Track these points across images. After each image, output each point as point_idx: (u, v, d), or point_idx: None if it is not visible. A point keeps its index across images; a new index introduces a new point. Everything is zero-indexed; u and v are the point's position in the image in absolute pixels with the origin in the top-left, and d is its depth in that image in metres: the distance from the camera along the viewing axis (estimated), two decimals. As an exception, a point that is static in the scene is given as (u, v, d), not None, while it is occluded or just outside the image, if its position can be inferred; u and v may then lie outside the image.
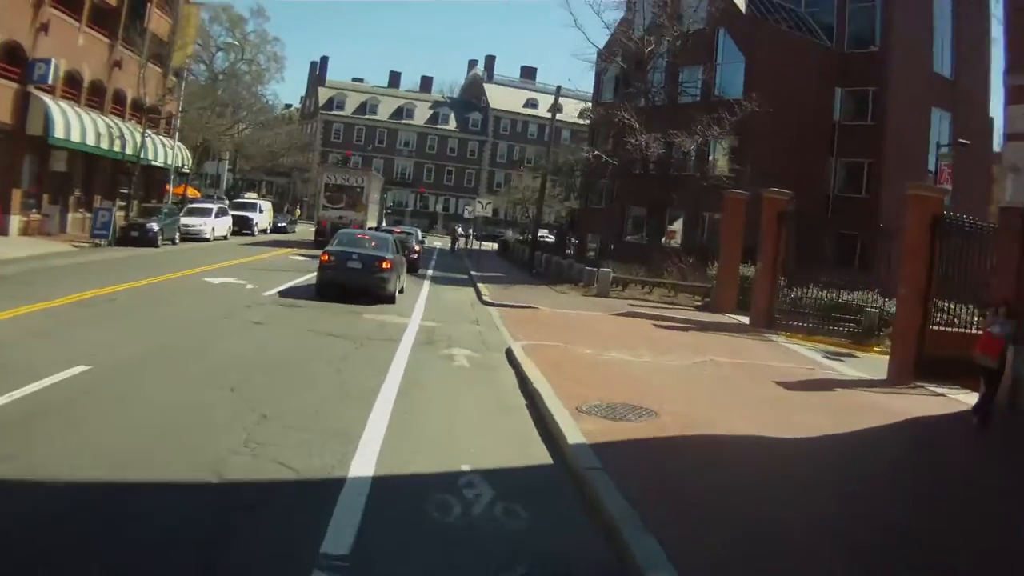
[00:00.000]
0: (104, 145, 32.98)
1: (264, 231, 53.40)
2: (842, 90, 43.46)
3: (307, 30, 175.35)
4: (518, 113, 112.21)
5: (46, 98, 29.02)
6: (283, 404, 9.59)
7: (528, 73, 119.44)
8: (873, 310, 23.05)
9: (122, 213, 34.60)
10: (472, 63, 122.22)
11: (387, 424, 9.17)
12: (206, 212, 41.59)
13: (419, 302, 22.80)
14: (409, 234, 39.06)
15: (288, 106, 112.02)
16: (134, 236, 31.39)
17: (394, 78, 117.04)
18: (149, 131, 37.26)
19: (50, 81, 29.41)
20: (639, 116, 39.90)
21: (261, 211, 53.77)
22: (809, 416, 11.24)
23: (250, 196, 62.37)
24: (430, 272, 35.08)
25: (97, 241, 30.13)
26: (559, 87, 51.49)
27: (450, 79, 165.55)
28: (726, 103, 39.08)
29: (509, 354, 14.54)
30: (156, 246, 31.84)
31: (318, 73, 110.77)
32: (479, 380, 12.51)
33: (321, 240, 41.18)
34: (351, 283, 20.63)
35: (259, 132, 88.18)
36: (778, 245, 23.56)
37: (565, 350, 15.12)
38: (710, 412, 10.95)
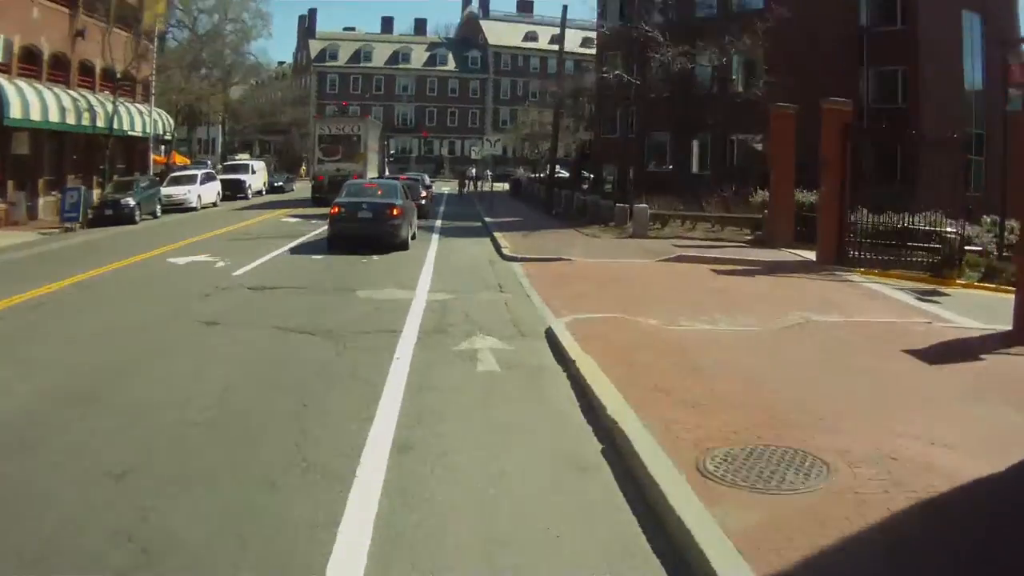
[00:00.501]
0: (71, 120, 29.82)
1: (260, 192, 50.63)
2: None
3: None
4: (518, 48, 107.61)
5: (-1, 78, 25.93)
6: (186, 516, 5.42)
7: (525, 6, 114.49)
8: (951, 235, 19.49)
9: (100, 191, 31.63)
10: (467, 1, 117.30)
11: (368, 544, 5.06)
12: (190, 179, 38.41)
13: (426, 264, 19.44)
14: (416, 180, 36.78)
15: (281, 63, 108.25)
16: (108, 215, 28.45)
17: (387, 24, 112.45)
18: (121, 100, 34.05)
19: (1, 60, 26.98)
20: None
21: (253, 172, 50.44)
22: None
23: (241, 157, 59.02)
24: (439, 222, 31.73)
25: (67, 225, 26.97)
26: (565, 5, 47.23)
27: (445, 20, 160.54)
28: (746, 16, 35.42)
29: (552, 340, 10.83)
30: (134, 222, 28.80)
31: (307, 26, 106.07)
32: (518, 402, 8.38)
33: (319, 197, 38.83)
34: (363, 233, 20.86)
35: (253, 91, 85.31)
36: (845, 164, 20.15)
37: (625, 324, 11.60)
38: (899, 439, 6.75)
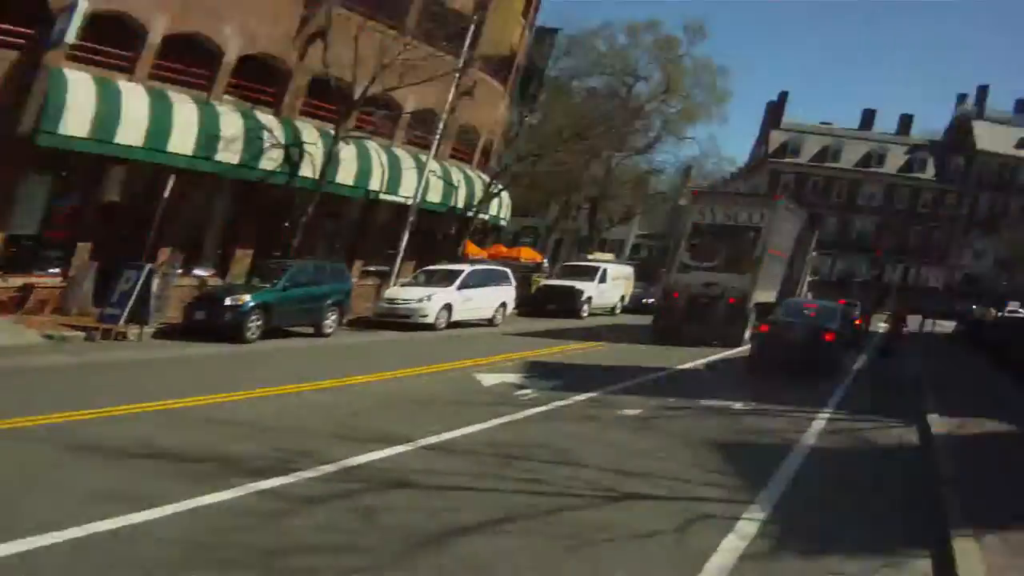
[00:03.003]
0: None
1: (613, 310, 37.12)
2: None
3: (763, 61, 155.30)
4: (1008, 155, 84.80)
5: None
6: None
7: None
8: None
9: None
10: (961, 97, 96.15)
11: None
12: (445, 277, 26.51)
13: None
14: (854, 305, 32.66)
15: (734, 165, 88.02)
16: (199, 319, 18.30)
17: (867, 118, 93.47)
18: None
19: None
20: None
21: (603, 279, 36.24)
22: None
23: (595, 257, 44.49)
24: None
25: (106, 324, 17.12)
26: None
27: (935, 121, 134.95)
28: None
29: None
30: (241, 339, 18.15)
31: (773, 114, 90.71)
32: None
33: (664, 326, 26.59)
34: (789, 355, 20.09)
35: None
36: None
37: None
38: None
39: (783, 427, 13.86)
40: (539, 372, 17.99)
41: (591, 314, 34.53)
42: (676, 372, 20.28)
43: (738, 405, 15.81)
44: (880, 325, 42.13)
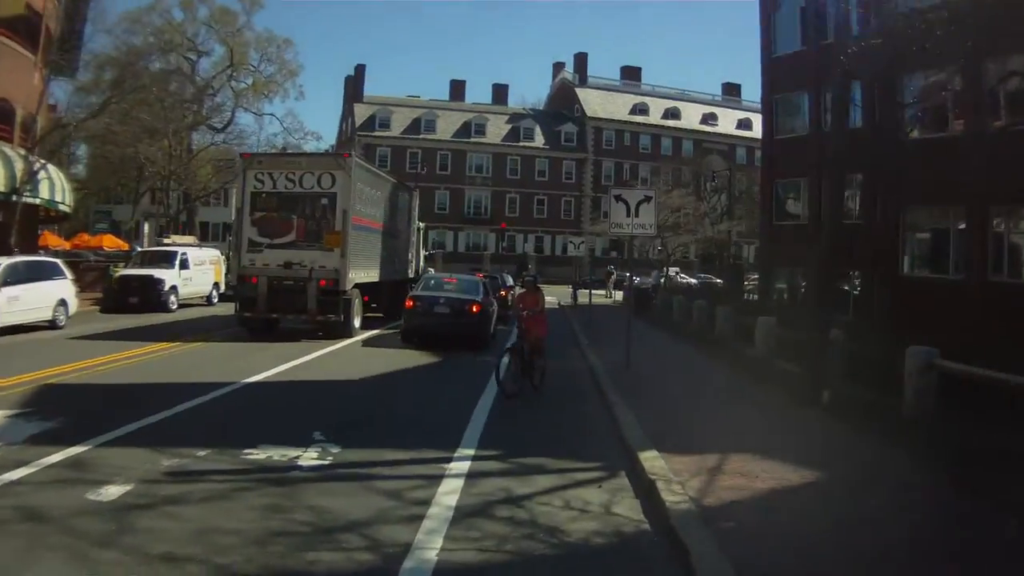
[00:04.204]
0: None
1: (209, 299, 32.34)
2: None
3: (342, 41, 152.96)
4: (624, 122, 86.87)
5: None
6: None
7: (631, 74, 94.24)
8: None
9: None
10: (558, 66, 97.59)
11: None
12: None
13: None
14: (494, 278, 31.98)
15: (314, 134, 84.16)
16: None
17: (457, 89, 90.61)
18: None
19: None
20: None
21: (184, 266, 30.24)
22: None
23: (173, 241, 36.92)
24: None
25: None
26: None
27: (532, 93, 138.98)
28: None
29: None
30: None
31: (352, 88, 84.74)
32: None
33: (250, 316, 21.28)
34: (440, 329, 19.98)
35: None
36: None
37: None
38: None
39: (383, 511, 7.30)
40: (46, 402, 11.48)
41: (182, 305, 29.63)
42: (242, 389, 13.36)
43: (311, 455, 9.17)
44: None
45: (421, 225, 33.08)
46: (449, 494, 7.74)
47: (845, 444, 9.84)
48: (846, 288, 27.55)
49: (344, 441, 9.65)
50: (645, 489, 7.86)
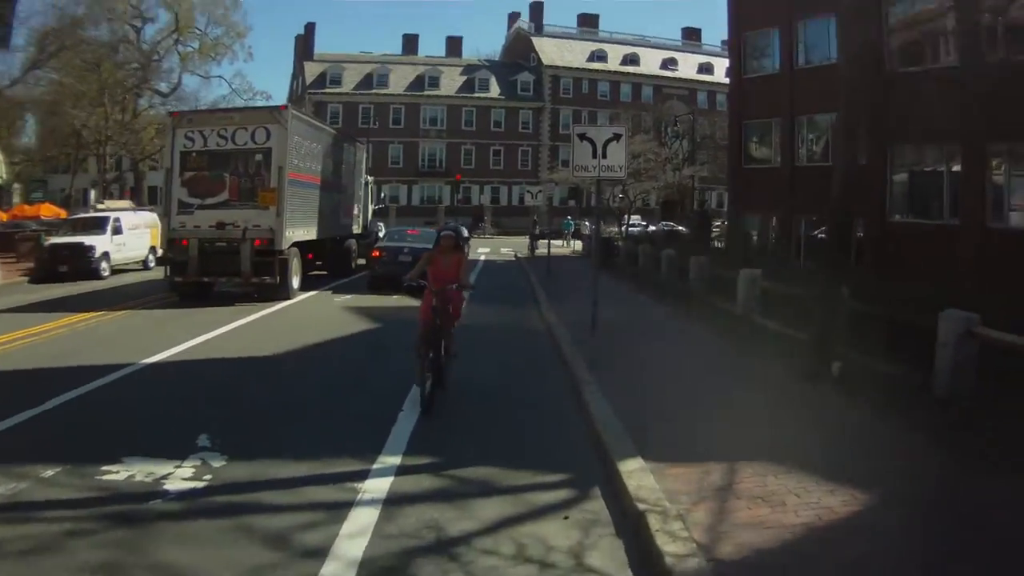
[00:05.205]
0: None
1: (145, 264, 30.34)
2: None
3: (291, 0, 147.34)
4: (582, 70, 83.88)
5: None
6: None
7: (588, 21, 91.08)
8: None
9: None
10: (513, 16, 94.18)
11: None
12: None
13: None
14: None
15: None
16: None
17: (410, 44, 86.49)
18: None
19: None
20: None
21: (117, 231, 28.46)
22: None
23: (107, 206, 34.70)
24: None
25: None
26: None
27: (486, 46, 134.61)
28: None
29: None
30: None
31: (303, 46, 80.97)
32: None
33: (181, 282, 19.81)
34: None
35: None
36: None
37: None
38: None
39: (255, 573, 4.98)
40: None
41: (117, 271, 28.07)
42: (135, 374, 11.07)
43: (186, 472, 7.02)
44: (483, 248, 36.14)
45: (369, 179, 31.53)
46: (356, 537, 5.53)
47: (878, 439, 7.62)
48: (822, 236, 25.57)
49: (233, 449, 7.42)
50: (631, 525, 5.67)
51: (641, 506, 5.71)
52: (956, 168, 20.80)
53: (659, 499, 5.84)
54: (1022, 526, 5.51)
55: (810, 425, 8.07)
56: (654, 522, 5.38)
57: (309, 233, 22.14)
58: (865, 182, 22.24)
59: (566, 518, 5.93)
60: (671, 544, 5.03)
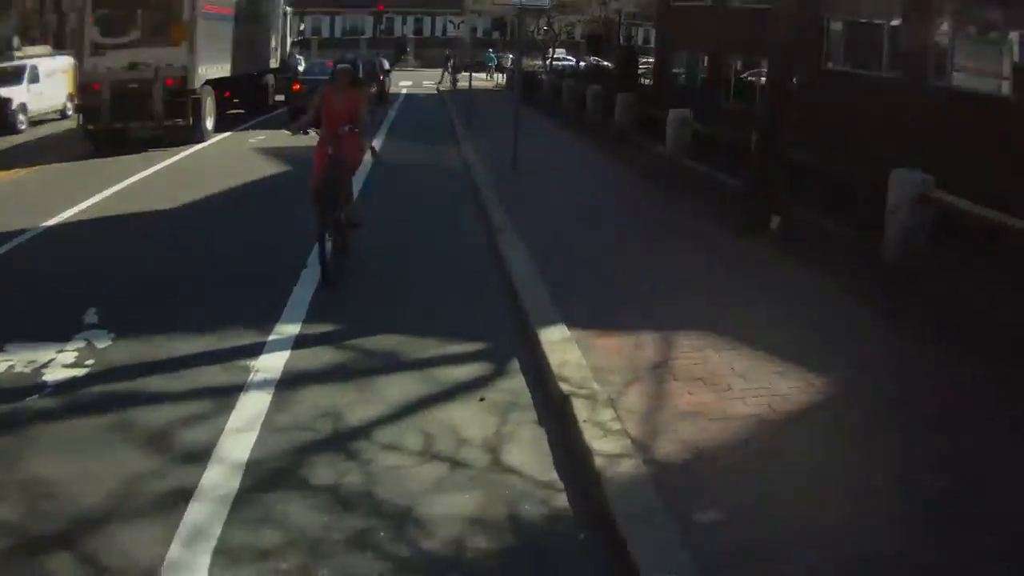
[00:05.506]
0: None
1: (62, 113, 27.10)
2: None
3: None
4: None
5: None
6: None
7: None
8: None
9: None
10: None
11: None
12: None
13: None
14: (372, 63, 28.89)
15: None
16: None
17: None
18: None
19: None
20: None
21: (35, 79, 25.71)
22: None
23: (25, 53, 31.67)
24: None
25: None
26: None
27: None
28: None
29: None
30: None
31: None
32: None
33: (92, 129, 18.31)
34: None
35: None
36: None
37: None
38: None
39: (133, 482, 4.27)
40: None
41: (36, 122, 25.37)
42: (29, 242, 9.90)
43: (68, 357, 6.12)
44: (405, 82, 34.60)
45: (288, 9, 29.82)
46: (243, 432, 4.72)
47: (827, 311, 6.87)
48: (751, 79, 24.62)
49: (121, 326, 6.49)
50: (555, 411, 4.93)
51: (566, 388, 4.97)
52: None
53: (586, 378, 5.11)
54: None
55: (752, 289, 7.35)
56: (581, 410, 4.65)
57: (223, 69, 20.87)
58: (803, 27, 21.13)
59: (481, 399, 5.19)
60: (601, 440, 4.31)
